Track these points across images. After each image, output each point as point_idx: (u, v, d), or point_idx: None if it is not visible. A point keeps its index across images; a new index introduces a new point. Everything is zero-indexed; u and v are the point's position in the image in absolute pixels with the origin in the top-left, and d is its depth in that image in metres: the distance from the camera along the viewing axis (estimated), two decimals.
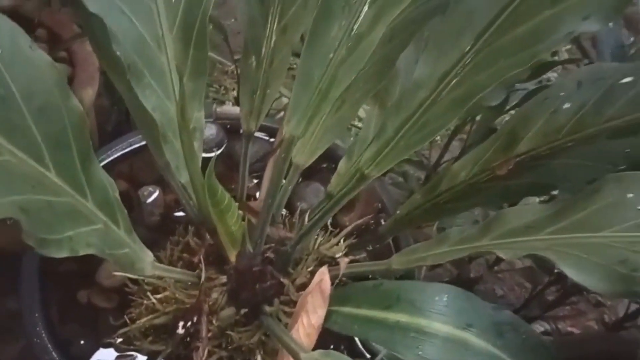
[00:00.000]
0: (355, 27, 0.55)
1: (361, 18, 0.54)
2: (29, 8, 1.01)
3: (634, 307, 0.92)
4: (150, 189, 0.77)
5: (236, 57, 1.10)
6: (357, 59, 0.54)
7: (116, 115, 1.10)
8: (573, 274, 0.42)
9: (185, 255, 0.67)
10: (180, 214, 0.76)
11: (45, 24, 1.00)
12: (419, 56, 0.55)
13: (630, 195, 0.47)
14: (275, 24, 0.61)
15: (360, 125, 0.96)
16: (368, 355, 0.65)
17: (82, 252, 0.41)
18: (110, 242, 0.47)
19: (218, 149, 0.83)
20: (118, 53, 0.51)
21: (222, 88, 1.38)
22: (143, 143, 0.80)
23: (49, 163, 0.42)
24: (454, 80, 0.52)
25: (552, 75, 1.33)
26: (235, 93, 1.35)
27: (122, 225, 0.50)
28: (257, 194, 0.77)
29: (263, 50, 0.62)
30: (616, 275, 0.41)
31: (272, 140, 0.84)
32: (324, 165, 0.82)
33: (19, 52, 0.40)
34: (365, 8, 0.54)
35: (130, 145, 0.81)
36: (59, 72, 0.42)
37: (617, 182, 0.48)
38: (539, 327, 1.06)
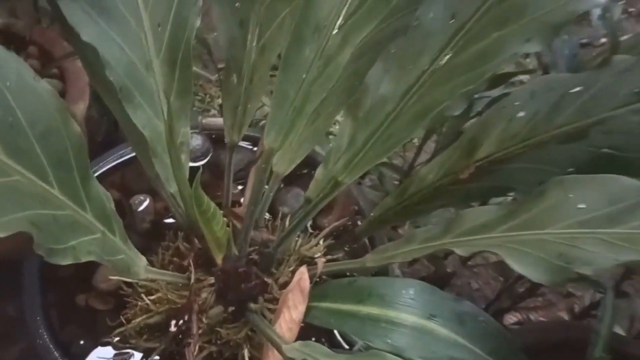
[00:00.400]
0: (325, 50, 0.60)
1: (330, 42, 0.60)
2: (21, 26, 1.05)
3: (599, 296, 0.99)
4: (141, 197, 0.82)
5: (220, 66, 1.16)
6: (327, 78, 0.60)
7: (106, 125, 1.15)
8: (518, 267, 0.48)
9: (175, 259, 0.71)
10: (170, 220, 0.81)
11: (37, 41, 1.05)
12: (385, 72, 0.61)
13: (571, 196, 0.52)
14: (254, 44, 0.66)
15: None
16: (347, 347, 0.71)
17: (84, 259, 0.46)
18: (108, 249, 0.52)
19: (204, 158, 0.88)
20: (110, 77, 0.56)
21: (208, 96, 1.43)
22: (133, 154, 0.85)
23: (53, 181, 0.47)
24: (415, 96, 0.58)
25: (525, 77, 1.39)
26: (219, 101, 1.40)
27: (118, 234, 0.55)
28: (242, 200, 0.83)
29: (243, 68, 0.67)
30: (554, 268, 0.46)
31: (254, 149, 0.89)
32: (305, 172, 0.86)
33: (24, 83, 0.45)
34: (334, 33, 0.60)
35: (121, 157, 0.86)
36: (60, 100, 0.47)
37: (560, 184, 0.53)
38: (512, 318, 1.12)
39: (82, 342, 0.71)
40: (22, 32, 1.05)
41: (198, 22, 0.60)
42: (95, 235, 0.50)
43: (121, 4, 0.57)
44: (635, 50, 0.75)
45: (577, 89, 0.60)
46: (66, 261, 0.44)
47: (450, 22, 0.55)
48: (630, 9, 1.85)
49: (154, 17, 0.58)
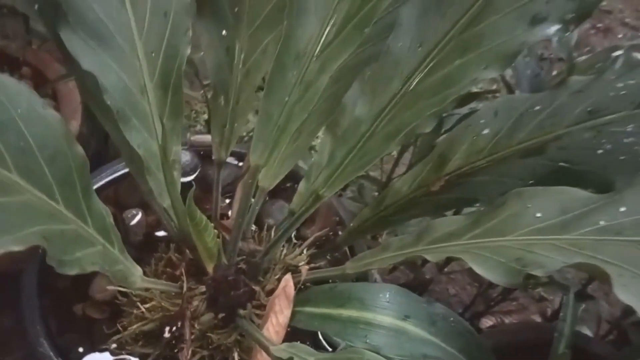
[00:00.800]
0: (305, 75, 0.66)
1: (309, 68, 0.65)
2: (14, 48, 1.10)
3: None
4: (133, 211, 0.86)
5: (205, 82, 1.21)
6: (308, 101, 0.65)
7: (95, 142, 1.19)
8: (481, 271, 0.53)
9: (168, 269, 0.75)
10: (161, 233, 0.85)
11: (30, 62, 1.09)
12: (361, 95, 0.66)
13: (529, 206, 0.57)
14: (240, 68, 0.72)
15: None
16: (330, 349, 0.76)
17: (89, 270, 0.51)
18: (108, 260, 0.57)
19: (193, 174, 0.93)
20: (108, 102, 0.61)
21: (193, 112, 1.48)
22: (125, 171, 0.89)
23: (59, 198, 0.51)
24: (387, 117, 0.63)
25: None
26: (205, 116, 1.45)
27: (117, 246, 0.59)
28: (229, 213, 0.87)
29: (230, 90, 0.73)
30: (511, 271, 0.51)
31: (239, 164, 0.94)
32: (288, 185, 0.91)
33: (34, 111, 0.50)
34: (313, 60, 0.65)
35: (114, 173, 0.90)
36: (66, 126, 0.52)
37: (519, 195, 0.58)
38: (488, 322, 1.17)
39: (80, 349, 0.74)
40: (15, 53, 1.09)
41: (188, 51, 0.65)
42: (96, 248, 0.55)
43: (117, 34, 0.62)
44: (590, 71, 0.82)
45: (536, 107, 0.65)
46: (74, 271, 0.49)
47: (418, 51, 0.61)
48: (598, 25, 1.93)
49: (147, 46, 0.63)
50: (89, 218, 0.55)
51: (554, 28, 0.57)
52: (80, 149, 0.53)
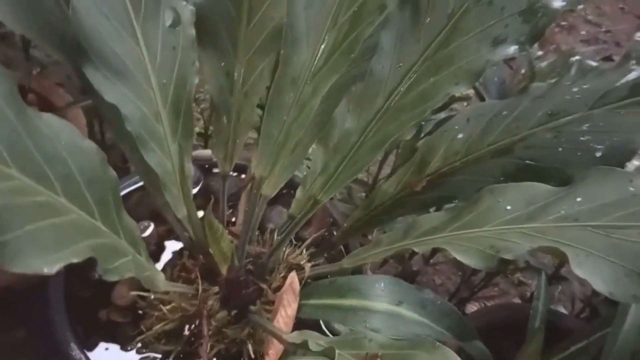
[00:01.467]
0: (301, 97, 0.74)
1: (304, 90, 0.74)
2: (19, 76, 1.17)
3: None
4: (145, 223, 0.94)
5: (197, 96, 1.29)
6: (303, 119, 0.74)
7: None
8: (462, 258, 0.61)
9: (183, 273, 0.82)
10: (172, 242, 0.93)
11: (35, 89, 1.16)
12: (349, 111, 0.75)
13: (500, 200, 0.66)
14: (239, 90, 0.80)
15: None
16: (332, 336, 0.84)
17: (126, 276, 0.58)
18: (138, 267, 0.64)
19: (197, 186, 1.01)
20: (129, 129, 0.69)
21: None
22: (133, 187, 0.97)
23: (97, 216, 0.59)
24: (373, 130, 0.72)
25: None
26: (197, 129, 1.53)
27: (144, 255, 0.67)
28: (234, 219, 0.95)
29: (231, 111, 0.81)
30: (487, 256, 0.60)
31: (236, 174, 1.03)
32: (285, 191, 0.99)
33: (74, 142, 0.58)
34: (307, 83, 0.74)
35: (123, 190, 0.98)
36: (101, 153, 0.60)
37: (491, 192, 0.67)
38: (472, 307, 1.27)
39: (107, 349, 0.82)
40: (21, 81, 1.16)
41: (196, 80, 0.73)
42: (129, 257, 0.63)
43: (133, 67, 0.69)
44: (550, 76, 0.91)
45: (503, 113, 0.73)
46: (115, 278, 0.56)
47: (397, 71, 0.70)
48: (562, 23, 2.04)
49: (160, 77, 0.71)
50: (122, 232, 0.63)
51: (512, 48, 0.66)
52: (112, 172, 0.61)
